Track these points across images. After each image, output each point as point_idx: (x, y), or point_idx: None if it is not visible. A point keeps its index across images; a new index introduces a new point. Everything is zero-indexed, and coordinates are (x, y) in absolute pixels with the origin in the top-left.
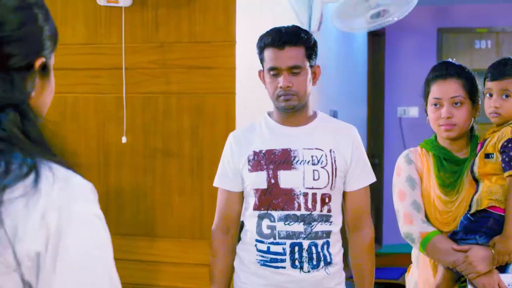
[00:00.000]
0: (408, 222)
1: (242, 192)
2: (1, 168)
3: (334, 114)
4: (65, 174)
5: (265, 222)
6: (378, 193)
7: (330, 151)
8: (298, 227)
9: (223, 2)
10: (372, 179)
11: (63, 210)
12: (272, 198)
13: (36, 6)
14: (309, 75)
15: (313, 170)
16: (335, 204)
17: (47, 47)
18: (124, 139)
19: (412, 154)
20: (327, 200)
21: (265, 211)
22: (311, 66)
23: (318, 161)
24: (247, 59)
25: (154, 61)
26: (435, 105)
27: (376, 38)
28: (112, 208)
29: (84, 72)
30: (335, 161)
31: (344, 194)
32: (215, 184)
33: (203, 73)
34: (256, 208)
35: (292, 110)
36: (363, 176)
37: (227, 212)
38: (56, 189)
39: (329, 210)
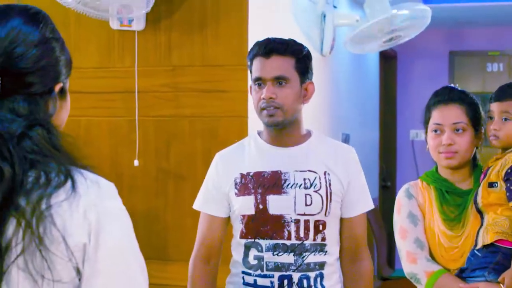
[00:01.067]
0: (411, 261)
1: (227, 218)
2: (42, 178)
3: (346, 138)
4: (93, 177)
5: (252, 252)
6: (390, 216)
7: (325, 173)
8: (288, 258)
9: (236, 26)
10: (370, 206)
11: (99, 207)
12: (260, 225)
13: (53, 40)
14: (298, 90)
15: (305, 195)
16: (331, 232)
17: (63, 73)
18: (136, 163)
19: (413, 189)
20: (321, 228)
21: (252, 240)
22: (302, 82)
23: (311, 185)
24: None
25: (166, 85)
26: (436, 131)
27: (388, 61)
28: None
29: (97, 96)
30: (330, 184)
31: (340, 221)
32: (195, 206)
33: (216, 96)
34: (243, 236)
35: (278, 128)
36: (360, 202)
37: (209, 239)
38: (91, 191)
39: (323, 239)
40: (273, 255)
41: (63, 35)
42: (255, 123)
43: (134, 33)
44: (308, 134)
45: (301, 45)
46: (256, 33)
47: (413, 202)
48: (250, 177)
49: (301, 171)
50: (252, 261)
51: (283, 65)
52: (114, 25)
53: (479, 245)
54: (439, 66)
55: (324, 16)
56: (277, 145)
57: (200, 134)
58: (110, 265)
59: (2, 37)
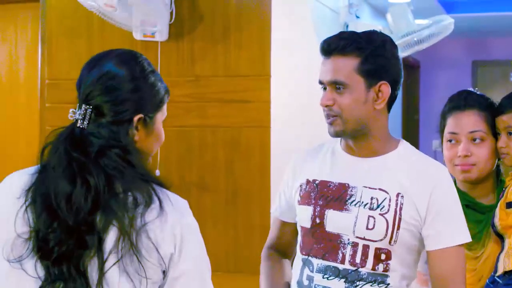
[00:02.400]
0: (422, 283)
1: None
2: (130, 198)
3: None
4: (172, 196)
5: (306, 271)
6: None
7: (398, 195)
8: (338, 284)
9: (259, 37)
10: (464, 238)
11: (183, 223)
12: (314, 242)
13: (140, 78)
14: (362, 95)
15: (369, 216)
16: (398, 264)
17: (146, 107)
18: (157, 172)
19: None
20: (383, 257)
21: (306, 256)
22: (370, 85)
23: (378, 206)
24: (282, 93)
25: (189, 95)
26: (451, 141)
27: (411, 71)
28: None
29: None
30: (401, 208)
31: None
32: (271, 211)
33: (238, 106)
34: (301, 249)
35: (343, 137)
36: (447, 233)
37: (279, 240)
38: (175, 209)
39: (385, 270)
40: (323, 278)
41: (86, 45)
42: (278, 133)
43: (157, 44)
44: (395, 145)
45: (373, 40)
46: (278, 43)
47: None
48: (315, 185)
49: (370, 188)
50: (304, 280)
51: (341, 67)
52: (138, 35)
53: (500, 272)
54: (462, 76)
55: (347, 26)
56: (352, 154)
57: (223, 144)
58: (189, 270)
59: (94, 78)
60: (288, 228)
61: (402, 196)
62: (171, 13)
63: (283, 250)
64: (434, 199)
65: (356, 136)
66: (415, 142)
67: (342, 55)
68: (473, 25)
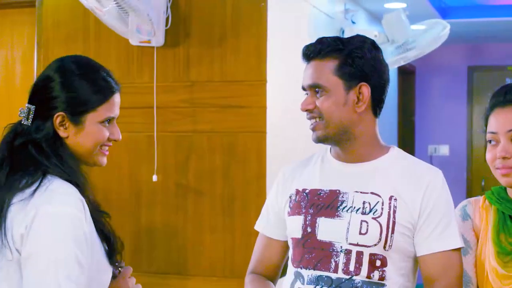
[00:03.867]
0: None
1: (287, 242)
2: (23, 181)
3: None
4: (57, 186)
5: (297, 284)
6: None
7: (391, 198)
8: None
9: (255, 42)
10: (453, 243)
11: (41, 209)
12: (305, 252)
13: (66, 82)
14: (341, 98)
15: (361, 221)
16: (394, 271)
17: (68, 108)
18: (154, 178)
19: (471, 207)
20: (378, 264)
21: (297, 269)
22: (349, 87)
23: (371, 210)
24: (278, 98)
25: (185, 100)
26: (490, 141)
27: (407, 76)
28: (144, 246)
29: None
30: (394, 212)
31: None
32: (255, 227)
33: (234, 112)
34: (292, 263)
35: (327, 143)
36: (437, 236)
37: (264, 259)
38: (44, 196)
39: (381, 278)
40: None
41: (82, 50)
42: (274, 138)
43: (153, 49)
44: (385, 150)
45: (352, 42)
46: (275, 49)
47: (467, 224)
48: (305, 194)
49: (362, 192)
50: None
51: (319, 70)
52: (133, 41)
53: None
54: (458, 81)
55: (343, 32)
56: (342, 160)
57: (219, 150)
58: (37, 253)
59: (36, 81)
60: (275, 247)
61: (396, 199)
62: (167, 19)
63: (268, 276)
64: (426, 201)
65: (341, 142)
66: (411, 147)
67: (320, 59)
68: (469, 30)
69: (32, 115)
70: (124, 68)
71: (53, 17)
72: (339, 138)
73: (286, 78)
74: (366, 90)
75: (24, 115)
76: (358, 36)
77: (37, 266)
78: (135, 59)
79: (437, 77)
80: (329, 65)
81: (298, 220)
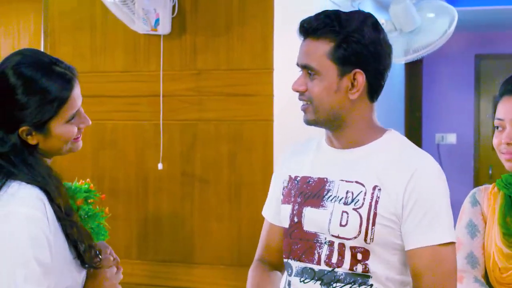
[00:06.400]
0: (458, 280)
1: None
2: None
3: None
4: (18, 190)
5: (286, 276)
6: None
7: (375, 188)
8: (314, 287)
9: (261, 30)
10: (441, 237)
11: None
12: (292, 243)
13: (14, 92)
14: (333, 82)
15: (342, 212)
16: (379, 264)
17: (29, 119)
18: (160, 166)
19: (480, 193)
20: (360, 257)
21: (287, 260)
22: (343, 73)
23: (352, 200)
24: (284, 86)
25: (191, 89)
26: (497, 128)
27: (414, 64)
28: (150, 235)
29: (122, 100)
30: (376, 202)
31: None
32: (262, 211)
33: (241, 100)
34: (284, 253)
35: (318, 127)
36: (425, 229)
37: (268, 245)
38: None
39: (365, 270)
40: (300, 281)
41: (89, 39)
42: (280, 126)
43: (160, 37)
44: (380, 134)
45: (351, 22)
46: (281, 37)
47: (476, 209)
48: (296, 182)
49: (347, 181)
50: (286, 287)
51: (313, 51)
52: (140, 29)
53: None
54: (465, 69)
55: None
56: (333, 146)
57: (225, 138)
58: None
59: None
60: (277, 233)
61: (380, 189)
62: (174, 7)
63: (274, 262)
64: (410, 192)
65: (332, 127)
66: (418, 136)
67: (315, 38)
68: (476, 18)
69: None
70: (130, 57)
71: (59, 5)
72: (330, 124)
73: (293, 66)
74: (361, 77)
75: None
76: (359, 13)
77: None
78: (141, 48)
79: (444, 66)
80: (323, 47)
81: (287, 209)
